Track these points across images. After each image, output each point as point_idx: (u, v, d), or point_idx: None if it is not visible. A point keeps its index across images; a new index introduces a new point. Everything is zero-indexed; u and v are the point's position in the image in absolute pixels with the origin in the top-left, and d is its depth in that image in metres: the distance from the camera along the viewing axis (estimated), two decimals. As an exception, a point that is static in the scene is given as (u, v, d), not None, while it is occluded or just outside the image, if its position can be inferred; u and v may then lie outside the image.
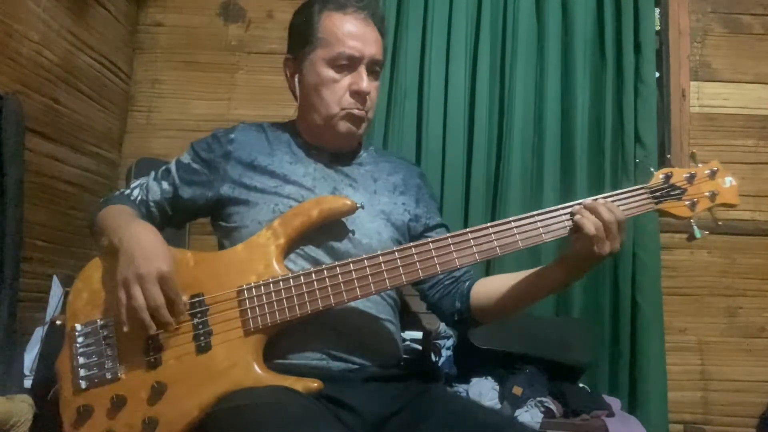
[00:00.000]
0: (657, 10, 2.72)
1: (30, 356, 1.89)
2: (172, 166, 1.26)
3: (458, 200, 2.46)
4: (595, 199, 1.06)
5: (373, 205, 1.22)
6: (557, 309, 2.40)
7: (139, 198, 1.25)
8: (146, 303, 1.01)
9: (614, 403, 2.07)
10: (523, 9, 2.57)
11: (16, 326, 1.83)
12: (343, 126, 1.21)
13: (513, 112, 2.51)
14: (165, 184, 1.24)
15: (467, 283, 1.23)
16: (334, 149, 1.26)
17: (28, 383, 1.77)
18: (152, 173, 1.28)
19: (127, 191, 1.26)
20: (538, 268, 1.14)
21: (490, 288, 1.20)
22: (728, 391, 2.46)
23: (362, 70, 1.19)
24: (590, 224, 1.02)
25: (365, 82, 1.19)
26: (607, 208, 1.03)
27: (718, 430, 2.44)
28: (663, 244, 2.46)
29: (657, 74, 2.63)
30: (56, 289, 2.05)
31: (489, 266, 2.41)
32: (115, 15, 2.58)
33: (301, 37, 1.23)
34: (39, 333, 1.93)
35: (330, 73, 1.19)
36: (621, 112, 2.51)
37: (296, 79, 1.25)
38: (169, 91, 2.72)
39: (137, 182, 1.28)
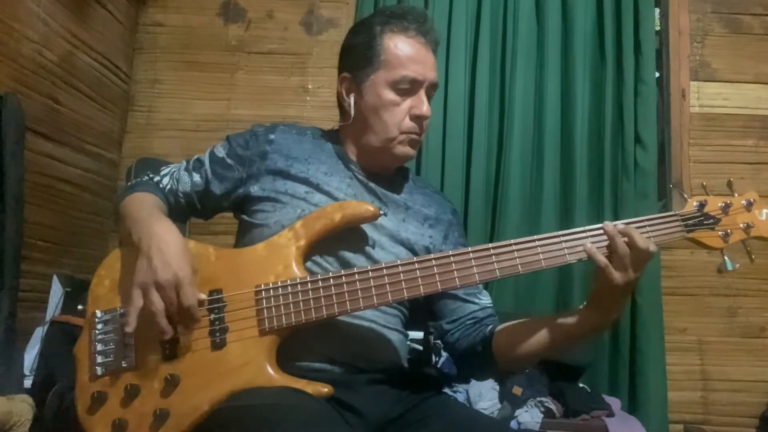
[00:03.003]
0: (657, 10, 2.72)
1: (30, 356, 1.89)
2: (206, 159, 1.24)
3: (458, 200, 2.46)
4: (627, 223, 1.03)
5: (399, 230, 1.20)
6: (557, 309, 2.40)
7: (168, 187, 1.23)
8: (165, 307, 1.00)
9: (614, 403, 2.07)
10: (523, 9, 2.58)
11: (16, 326, 1.83)
12: (401, 150, 1.20)
13: (513, 112, 2.51)
14: (196, 177, 1.23)
15: (489, 327, 1.19)
16: (381, 170, 1.25)
17: (28, 383, 1.77)
18: (183, 162, 1.26)
19: (157, 178, 1.24)
20: (565, 312, 1.10)
21: (516, 334, 1.13)
22: (728, 391, 2.46)
23: (422, 93, 1.19)
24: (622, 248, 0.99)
25: (426, 107, 1.19)
26: (641, 237, 1.00)
27: (718, 430, 2.44)
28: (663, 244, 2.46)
29: (657, 74, 2.63)
30: (56, 289, 2.05)
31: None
32: (115, 15, 2.58)
33: (363, 56, 1.20)
34: (39, 333, 1.93)
35: (392, 95, 1.18)
36: (621, 112, 2.52)
37: (352, 98, 1.22)
38: (169, 91, 2.72)
39: (168, 169, 1.26)
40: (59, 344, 1.70)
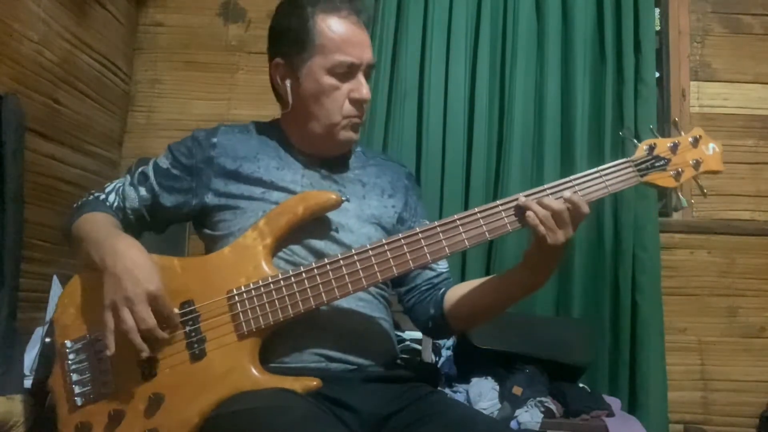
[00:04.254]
0: (657, 10, 2.72)
1: (30, 356, 1.88)
2: (150, 171, 1.21)
3: (458, 200, 2.46)
4: (581, 176, 1.07)
5: (363, 209, 1.20)
6: (557, 309, 2.40)
7: (115, 204, 1.20)
8: (137, 325, 0.98)
9: (614, 403, 2.07)
10: (523, 9, 2.57)
11: (16, 326, 1.83)
12: (345, 135, 1.19)
13: (513, 112, 2.50)
14: (143, 191, 1.20)
15: (441, 290, 1.21)
16: (326, 155, 1.23)
17: (28, 383, 1.76)
18: (127, 177, 1.23)
19: (102, 196, 1.21)
20: (506, 270, 1.14)
21: (461, 293, 1.18)
22: (728, 391, 2.46)
23: (360, 76, 1.17)
24: (534, 217, 1.03)
25: (366, 90, 1.17)
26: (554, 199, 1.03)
27: (718, 430, 2.44)
28: (663, 244, 2.46)
29: (657, 74, 2.63)
30: (56, 289, 2.04)
31: (490, 259, 2.41)
32: (115, 15, 2.58)
33: (296, 41, 1.16)
34: (39, 333, 1.93)
35: (331, 80, 1.16)
36: (621, 112, 2.51)
37: (288, 84, 1.19)
38: (169, 91, 2.72)
39: (113, 185, 1.23)
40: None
